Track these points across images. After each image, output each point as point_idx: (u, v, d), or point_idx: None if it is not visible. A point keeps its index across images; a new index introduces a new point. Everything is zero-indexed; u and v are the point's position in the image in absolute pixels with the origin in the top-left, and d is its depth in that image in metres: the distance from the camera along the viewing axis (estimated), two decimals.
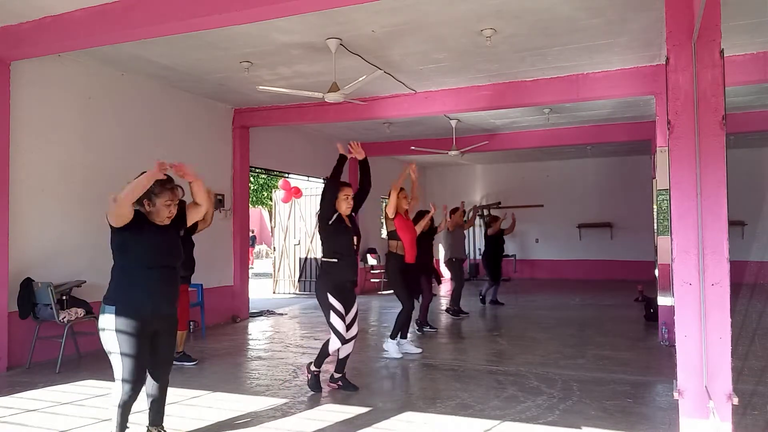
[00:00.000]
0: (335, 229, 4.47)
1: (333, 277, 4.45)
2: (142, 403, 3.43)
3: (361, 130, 10.89)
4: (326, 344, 4.57)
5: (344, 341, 4.49)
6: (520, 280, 14.95)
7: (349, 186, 4.54)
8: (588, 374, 5.17)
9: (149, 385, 3.42)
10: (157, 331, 3.26)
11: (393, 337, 6.00)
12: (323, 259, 4.52)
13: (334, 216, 4.45)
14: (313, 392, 4.63)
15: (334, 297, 4.40)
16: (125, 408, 3.18)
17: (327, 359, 4.70)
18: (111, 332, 3.09)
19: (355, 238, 4.52)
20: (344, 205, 4.48)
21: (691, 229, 3.27)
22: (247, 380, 5.23)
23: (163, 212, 3.23)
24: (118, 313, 3.10)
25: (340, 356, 4.67)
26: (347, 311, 4.51)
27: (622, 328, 7.66)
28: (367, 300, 11.04)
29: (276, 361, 5.88)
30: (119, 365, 3.11)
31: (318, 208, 4.63)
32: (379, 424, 3.92)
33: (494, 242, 9.75)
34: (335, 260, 4.43)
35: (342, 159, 4.51)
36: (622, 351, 6.19)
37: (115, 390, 3.16)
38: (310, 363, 4.71)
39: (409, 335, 6.34)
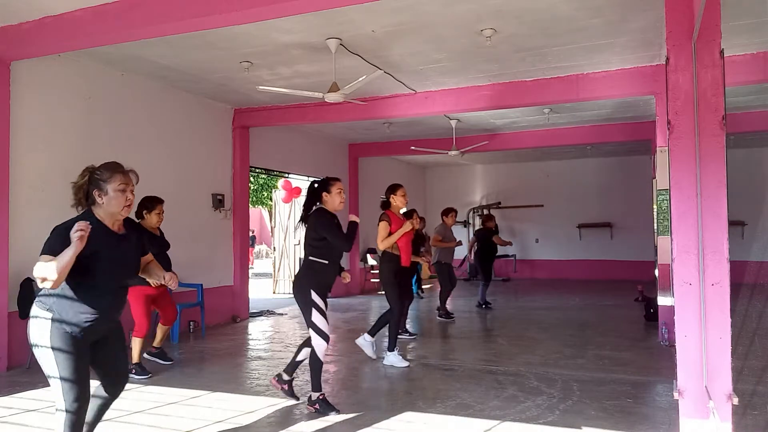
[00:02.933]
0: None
1: (320, 277, 4.30)
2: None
3: (361, 130, 10.89)
4: (312, 355, 4.21)
5: (328, 339, 4.19)
6: (520, 280, 14.93)
7: (339, 181, 4.43)
8: (588, 374, 5.17)
9: (98, 401, 3.03)
10: (97, 341, 2.83)
11: (391, 348, 5.71)
12: (312, 258, 4.32)
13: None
14: (333, 413, 4.13)
15: (318, 295, 4.23)
16: None
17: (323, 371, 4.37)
18: (47, 350, 2.65)
19: None
20: (338, 200, 4.37)
21: (691, 229, 3.27)
22: (247, 380, 5.23)
23: (118, 200, 2.76)
24: (54, 327, 2.65)
25: (298, 359, 4.46)
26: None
27: (622, 328, 7.66)
28: (367, 300, 11.04)
29: (276, 361, 5.88)
30: (59, 389, 2.66)
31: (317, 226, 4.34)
32: (379, 424, 3.92)
33: (487, 242, 9.62)
34: (326, 262, 4.30)
35: (354, 225, 4.42)
36: (622, 351, 6.19)
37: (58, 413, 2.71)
38: (309, 395, 4.27)
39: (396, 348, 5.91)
